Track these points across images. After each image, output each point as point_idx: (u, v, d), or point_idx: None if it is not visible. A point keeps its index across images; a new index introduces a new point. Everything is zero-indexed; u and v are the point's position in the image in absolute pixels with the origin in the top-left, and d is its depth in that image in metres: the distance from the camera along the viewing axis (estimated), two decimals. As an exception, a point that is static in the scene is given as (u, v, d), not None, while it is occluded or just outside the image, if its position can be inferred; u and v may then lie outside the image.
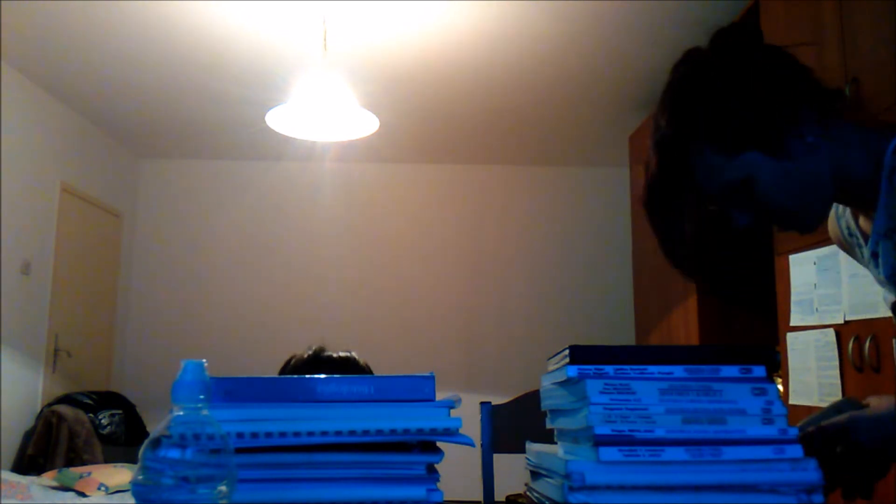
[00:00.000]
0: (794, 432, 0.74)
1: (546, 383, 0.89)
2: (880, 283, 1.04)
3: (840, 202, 1.04)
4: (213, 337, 5.32)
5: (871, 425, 0.94)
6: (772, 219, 0.96)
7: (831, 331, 2.26)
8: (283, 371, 1.49)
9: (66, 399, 4.20)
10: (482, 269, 5.57)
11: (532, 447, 0.92)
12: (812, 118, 0.90)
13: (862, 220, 1.05)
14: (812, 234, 0.97)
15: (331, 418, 0.73)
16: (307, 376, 0.79)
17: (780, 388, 2.54)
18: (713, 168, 0.91)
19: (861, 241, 1.06)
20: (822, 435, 0.93)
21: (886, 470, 0.94)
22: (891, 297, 1.04)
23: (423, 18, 3.39)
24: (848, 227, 1.09)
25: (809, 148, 0.91)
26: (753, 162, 0.90)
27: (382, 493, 0.72)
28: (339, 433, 0.72)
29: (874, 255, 0.99)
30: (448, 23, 3.44)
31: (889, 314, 1.06)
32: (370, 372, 1.51)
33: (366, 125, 3.27)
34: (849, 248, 1.12)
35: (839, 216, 1.11)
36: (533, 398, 1.14)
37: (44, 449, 3.94)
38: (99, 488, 3.46)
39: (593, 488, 0.71)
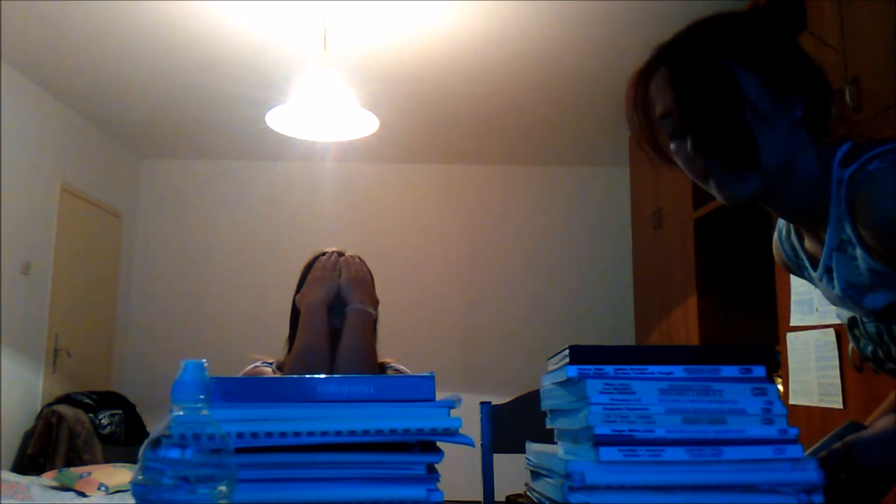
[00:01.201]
0: (794, 432, 0.74)
1: (546, 383, 0.89)
2: (832, 300, 1.02)
3: (786, 213, 1.00)
4: (213, 337, 5.32)
5: (870, 445, 0.93)
6: (723, 150, 0.90)
7: (831, 331, 2.26)
8: (307, 269, 1.63)
9: (66, 399, 4.20)
10: (482, 269, 5.57)
11: (532, 447, 0.92)
12: (803, 102, 0.91)
13: (807, 242, 1.03)
14: (730, 201, 0.93)
15: (331, 418, 0.73)
16: (307, 376, 0.79)
17: (780, 388, 2.54)
18: (723, 75, 0.89)
19: (807, 262, 1.04)
20: (825, 466, 0.92)
21: (888, 489, 0.94)
22: (846, 314, 1.03)
23: (423, 19, 3.39)
24: (793, 249, 1.07)
25: (793, 118, 0.91)
26: (753, 83, 0.89)
27: (382, 493, 0.73)
28: (339, 433, 0.72)
29: (828, 270, 0.97)
30: (448, 23, 3.44)
31: None
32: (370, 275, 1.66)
33: (366, 125, 3.27)
34: (795, 270, 1.11)
35: (783, 240, 1.10)
36: (533, 398, 1.14)
37: (44, 449, 3.94)
38: (99, 488, 3.47)
39: (593, 488, 0.71)
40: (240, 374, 1.49)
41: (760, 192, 0.92)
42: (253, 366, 1.57)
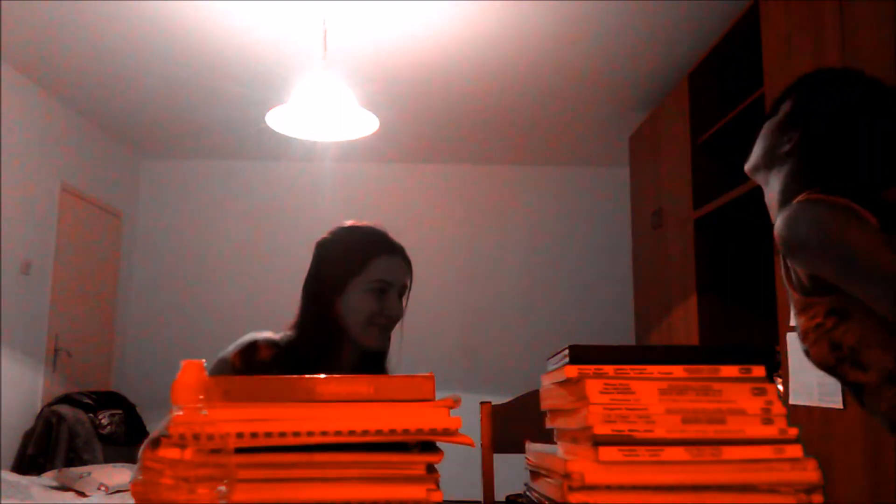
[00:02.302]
0: (794, 432, 0.74)
1: (546, 383, 0.89)
2: None
3: None
4: (213, 337, 5.30)
5: None
6: None
7: (831, 331, 2.26)
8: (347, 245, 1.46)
9: (66, 399, 4.20)
10: (482, 269, 5.57)
11: (532, 447, 0.92)
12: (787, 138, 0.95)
13: None
14: None
15: (331, 418, 0.73)
16: (307, 376, 0.79)
17: (780, 388, 2.54)
18: None
19: None
20: None
21: None
22: None
23: (423, 19, 3.39)
24: None
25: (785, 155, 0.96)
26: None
27: (382, 493, 0.72)
28: (339, 433, 0.72)
29: None
30: (448, 23, 3.44)
31: None
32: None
33: (366, 125, 3.27)
34: None
35: None
36: (533, 398, 1.14)
37: (44, 449, 3.94)
38: (99, 488, 3.46)
39: (593, 488, 0.71)
40: (231, 349, 1.37)
41: None
42: (249, 337, 1.40)
